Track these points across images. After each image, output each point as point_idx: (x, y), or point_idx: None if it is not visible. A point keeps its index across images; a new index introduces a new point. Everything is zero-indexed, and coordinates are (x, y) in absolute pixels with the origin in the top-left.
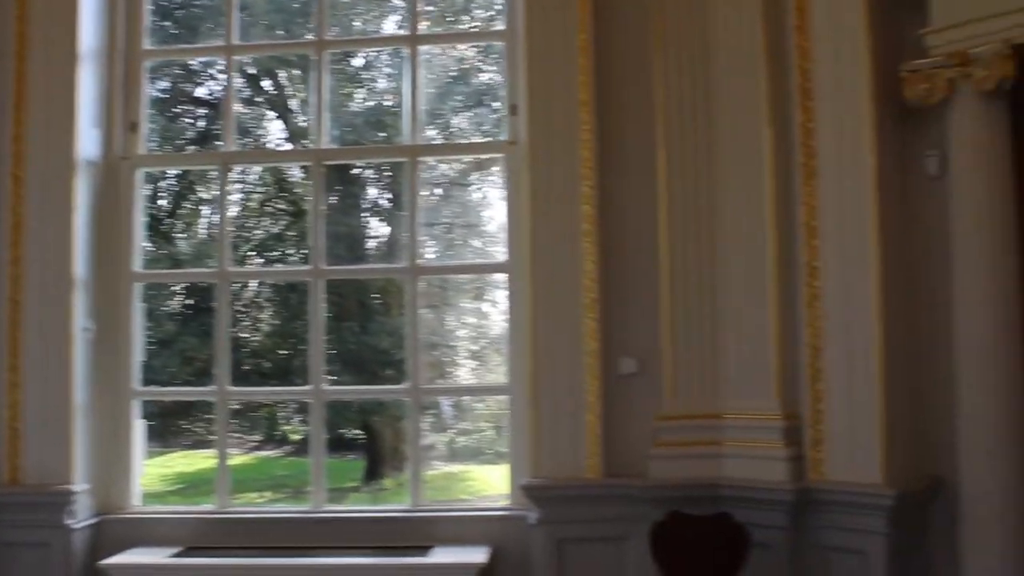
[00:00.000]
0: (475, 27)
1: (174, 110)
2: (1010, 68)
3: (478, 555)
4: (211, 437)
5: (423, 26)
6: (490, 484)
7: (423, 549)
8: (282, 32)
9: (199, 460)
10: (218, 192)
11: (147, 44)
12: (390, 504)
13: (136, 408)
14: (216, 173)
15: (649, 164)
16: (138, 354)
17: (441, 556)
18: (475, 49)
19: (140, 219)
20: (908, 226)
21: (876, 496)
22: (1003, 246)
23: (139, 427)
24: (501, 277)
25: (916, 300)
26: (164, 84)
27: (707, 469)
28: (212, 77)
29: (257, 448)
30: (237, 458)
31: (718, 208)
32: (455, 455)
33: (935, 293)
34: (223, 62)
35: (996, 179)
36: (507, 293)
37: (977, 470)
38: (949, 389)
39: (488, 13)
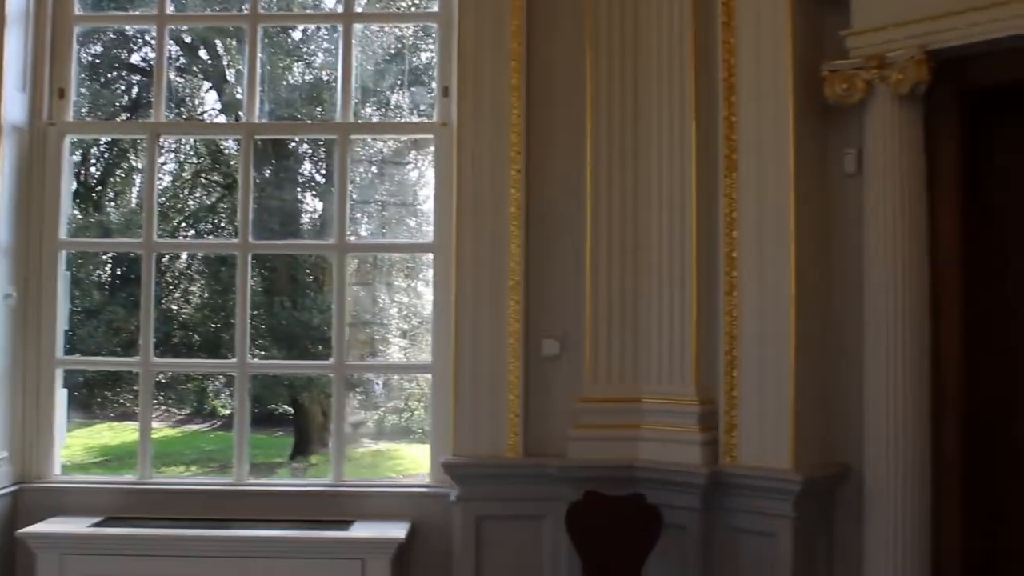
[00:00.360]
0: (415, 5)
1: (108, 75)
2: (924, 73)
3: (398, 530)
4: (137, 409)
5: (363, 0)
6: (418, 463)
7: (344, 524)
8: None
9: (125, 432)
10: (148, 162)
11: (78, 10)
12: (313, 479)
13: (58, 377)
14: (145, 142)
15: (577, 151)
16: (62, 323)
17: (361, 531)
18: (414, 28)
19: (67, 186)
20: (825, 221)
21: (785, 481)
22: (913, 243)
23: (61, 396)
24: (431, 256)
25: (830, 293)
26: (98, 49)
27: (625, 451)
28: (148, 43)
29: (185, 422)
30: (164, 431)
31: (643, 197)
32: (384, 433)
33: (849, 286)
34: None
35: (908, 178)
36: (433, 273)
37: (880, 457)
38: (859, 381)
39: None
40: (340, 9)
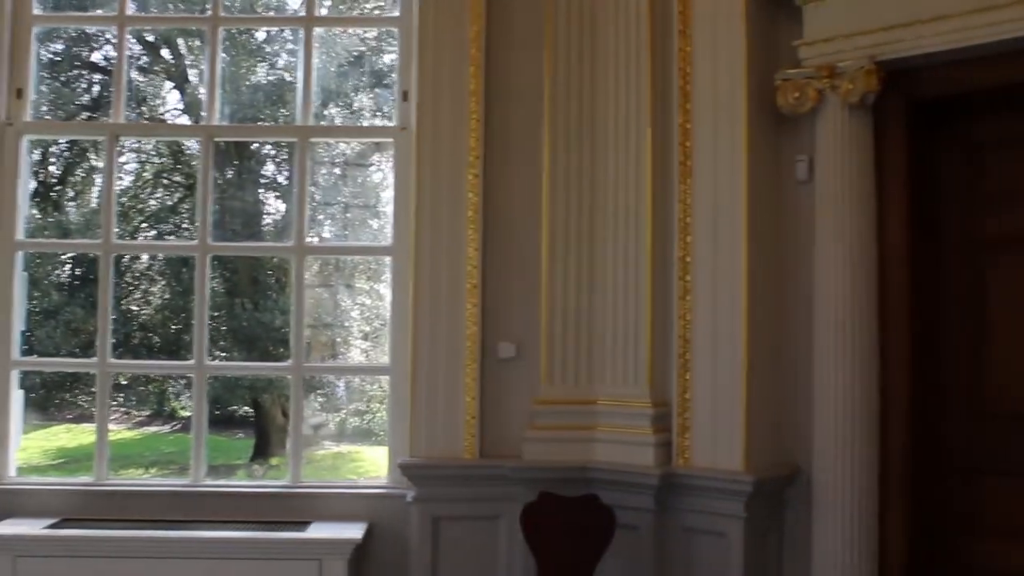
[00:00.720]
0: (377, 8)
1: (69, 74)
2: (874, 83)
3: (355, 531)
4: (93, 410)
5: (327, 3)
6: (379, 465)
7: (301, 525)
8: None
9: (83, 434)
10: (107, 163)
11: (37, 9)
12: (271, 480)
13: (14, 378)
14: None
15: (535, 156)
16: (18, 323)
17: (318, 531)
18: (379, 31)
19: (25, 187)
20: (777, 227)
21: (736, 482)
22: (862, 248)
23: (17, 398)
24: (388, 260)
25: (782, 297)
26: (58, 47)
27: (579, 453)
28: (109, 42)
29: (145, 424)
30: (123, 433)
31: (599, 201)
32: (346, 435)
33: (800, 291)
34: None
35: (857, 185)
36: (391, 276)
37: (829, 458)
38: (810, 383)
39: None
40: (302, 12)
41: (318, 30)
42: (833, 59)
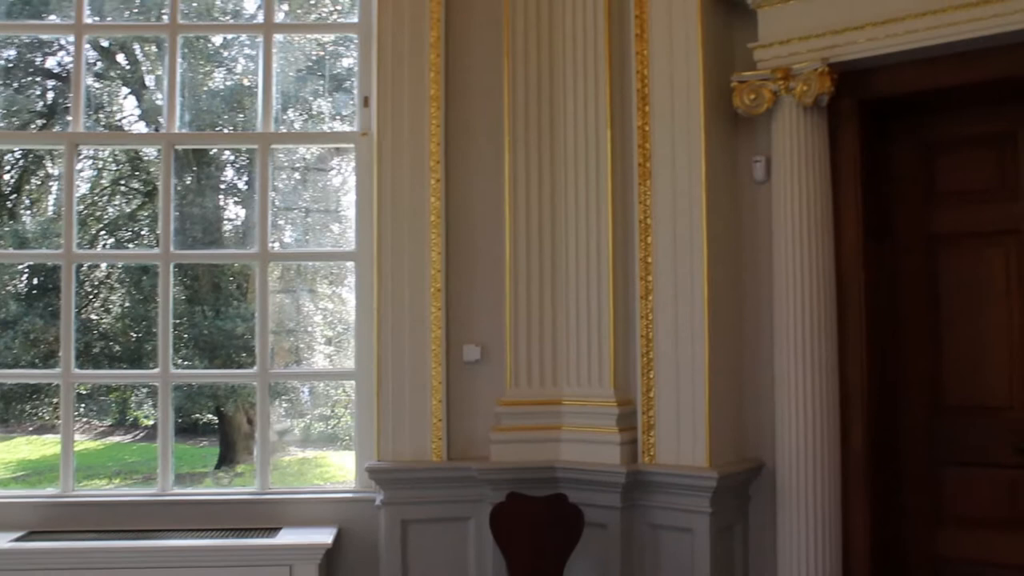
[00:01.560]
0: (336, 12)
1: (23, 80)
2: (828, 84)
3: (325, 536)
4: (57, 421)
5: (283, 8)
6: (345, 470)
7: (271, 531)
8: (138, 7)
9: (45, 446)
10: (66, 172)
11: None
12: (239, 487)
13: None
14: (62, 150)
15: (496, 159)
16: None
17: (288, 537)
18: (337, 36)
19: None
20: (736, 227)
21: (701, 478)
22: (819, 245)
23: None
24: (351, 265)
25: (742, 295)
26: (11, 53)
27: (546, 453)
28: (63, 48)
29: (107, 434)
30: (86, 444)
31: (560, 203)
32: (311, 441)
33: (760, 290)
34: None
35: (813, 184)
36: (355, 281)
37: (791, 451)
38: (772, 379)
39: (347, 1)
40: (260, 19)
41: (277, 36)
42: (787, 61)
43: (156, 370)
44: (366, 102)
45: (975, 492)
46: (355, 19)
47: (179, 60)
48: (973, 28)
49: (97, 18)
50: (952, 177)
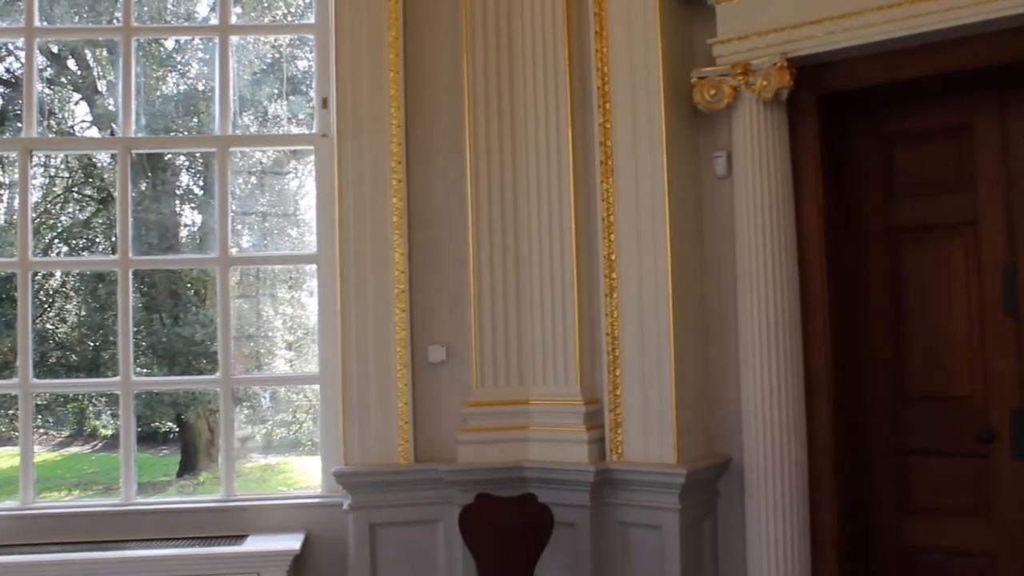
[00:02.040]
0: (290, 14)
1: None
2: (787, 79)
3: (293, 542)
4: (13, 434)
5: (236, 11)
6: (308, 476)
7: (238, 538)
8: (88, 11)
9: (1, 459)
10: (17, 177)
11: None
12: (204, 495)
13: None
14: (14, 157)
15: (457, 159)
16: None
17: (255, 544)
18: (290, 38)
19: None
20: (698, 222)
21: (669, 475)
22: (781, 239)
23: None
24: (312, 268)
25: (706, 291)
26: None
27: (514, 453)
28: (11, 54)
29: (65, 445)
30: (43, 455)
31: (522, 203)
32: (273, 447)
33: (723, 284)
34: (22, 41)
35: (775, 179)
36: (317, 284)
37: (758, 446)
38: (737, 374)
39: (304, 2)
40: (215, 21)
41: (233, 38)
42: (747, 56)
43: (117, 378)
44: (325, 103)
45: (941, 481)
46: (312, 20)
47: (133, 63)
48: (930, 21)
49: (46, 23)
50: (911, 169)
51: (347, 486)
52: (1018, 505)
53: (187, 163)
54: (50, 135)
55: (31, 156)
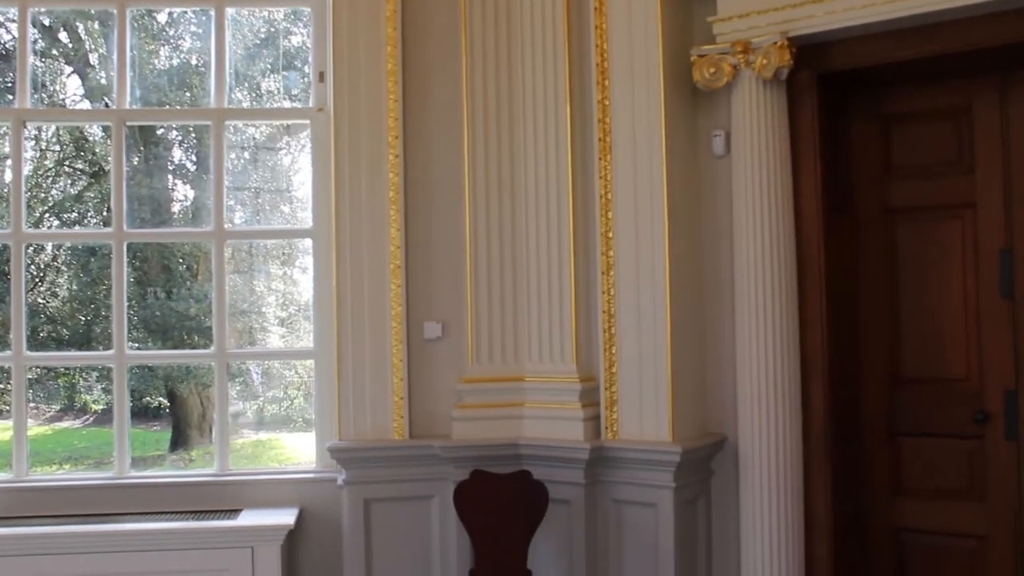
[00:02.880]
0: None
1: None
2: (787, 58)
3: (287, 517)
4: (4, 407)
5: None
6: (300, 451)
7: (232, 513)
8: None
9: None
10: (8, 150)
11: None
12: (199, 469)
13: None
14: (6, 129)
15: (455, 134)
16: None
17: (249, 519)
18: (285, 11)
19: None
20: (696, 201)
21: (664, 453)
22: (778, 218)
23: None
24: (309, 243)
25: (703, 270)
26: None
27: (509, 430)
28: (1, 25)
29: (56, 419)
30: (34, 429)
31: (519, 179)
32: (264, 423)
33: (720, 263)
34: (14, 11)
35: (773, 158)
36: (313, 259)
37: (753, 425)
38: (733, 354)
39: None
40: None
41: (229, 10)
42: (747, 35)
43: (111, 351)
44: (321, 77)
45: (935, 462)
46: None
47: (128, 35)
48: (930, 2)
49: None
50: (910, 150)
51: (342, 461)
52: (1011, 486)
53: (180, 138)
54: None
55: (24, 127)
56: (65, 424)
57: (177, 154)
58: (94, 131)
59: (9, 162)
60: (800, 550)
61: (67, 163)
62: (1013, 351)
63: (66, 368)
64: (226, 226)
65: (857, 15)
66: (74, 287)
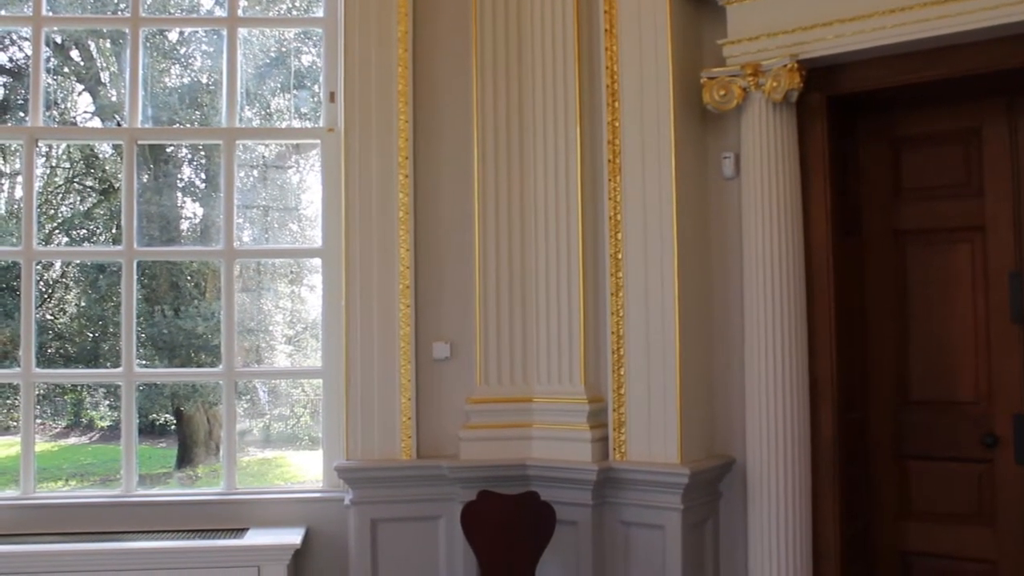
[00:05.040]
0: (294, 8)
1: None
2: (797, 80)
3: (293, 536)
4: (11, 423)
5: (243, 4)
6: (305, 470)
7: (239, 532)
8: (93, 1)
9: None
10: (19, 166)
11: None
12: (205, 488)
13: None
14: (17, 146)
15: (465, 155)
16: None
17: (256, 538)
18: (296, 31)
19: None
20: (705, 223)
21: (672, 475)
22: (788, 243)
23: None
24: (317, 262)
25: (712, 292)
26: None
27: (517, 450)
28: (14, 43)
29: (62, 436)
30: (41, 445)
31: (529, 199)
32: (270, 441)
33: (730, 286)
34: (27, 31)
35: (782, 181)
36: (322, 278)
37: (761, 448)
38: (742, 375)
39: None
40: (221, 13)
41: (241, 31)
42: (757, 57)
43: (119, 369)
44: (332, 97)
45: (943, 486)
46: (321, 13)
47: (141, 54)
48: (940, 25)
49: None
50: (919, 173)
51: (349, 481)
52: (1020, 511)
53: (189, 156)
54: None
55: (36, 144)
56: (72, 440)
57: (187, 172)
58: (104, 148)
59: (20, 179)
60: (808, 572)
61: (77, 180)
62: (1022, 375)
63: (74, 385)
64: (235, 244)
65: (866, 38)
66: (82, 304)
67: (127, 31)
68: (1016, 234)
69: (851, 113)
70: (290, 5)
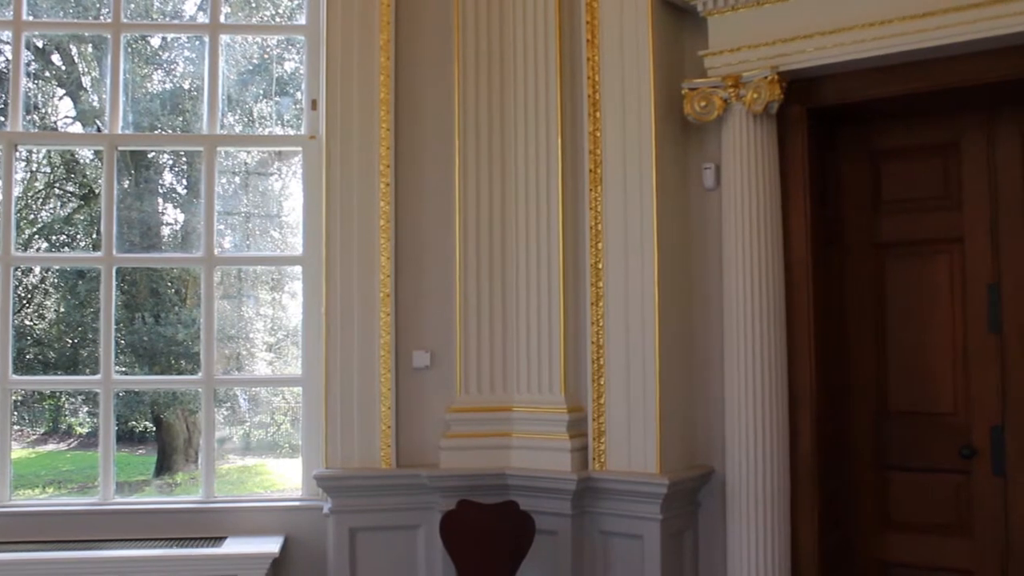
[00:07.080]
0: (278, 15)
1: None
2: (777, 92)
3: (272, 545)
4: None
5: (225, 11)
6: (285, 478)
7: (216, 540)
8: (74, 6)
9: None
10: (4, 173)
11: None
12: (184, 496)
13: None
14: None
15: (446, 163)
16: None
17: (234, 547)
18: (278, 38)
19: None
20: (686, 233)
21: (652, 485)
22: (768, 254)
23: None
24: (298, 269)
25: (692, 302)
26: None
27: (496, 460)
28: None
29: (40, 442)
30: (18, 452)
31: (510, 209)
32: (250, 449)
33: (709, 296)
34: (8, 35)
35: (762, 192)
36: (302, 286)
37: (740, 458)
38: (721, 386)
39: (293, 3)
40: (203, 19)
41: (223, 37)
42: (737, 69)
43: (98, 376)
44: (314, 105)
45: (921, 497)
46: (303, 21)
47: (122, 60)
48: (920, 39)
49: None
50: (898, 185)
51: (328, 489)
52: (998, 522)
53: (171, 162)
54: (33, 130)
55: (16, 150)
56: (50, 447)
57: (168, 178)
58: (85, 153)
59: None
60: None
61: (57, 185)
62: (1000, 387)
63: (53, 391)
64: (216, 251)
65: (846, 51)
66: (62, 309)
67: (109, 36)
68: (993, 246)
69: (831, 125)
70: (273, 12)
